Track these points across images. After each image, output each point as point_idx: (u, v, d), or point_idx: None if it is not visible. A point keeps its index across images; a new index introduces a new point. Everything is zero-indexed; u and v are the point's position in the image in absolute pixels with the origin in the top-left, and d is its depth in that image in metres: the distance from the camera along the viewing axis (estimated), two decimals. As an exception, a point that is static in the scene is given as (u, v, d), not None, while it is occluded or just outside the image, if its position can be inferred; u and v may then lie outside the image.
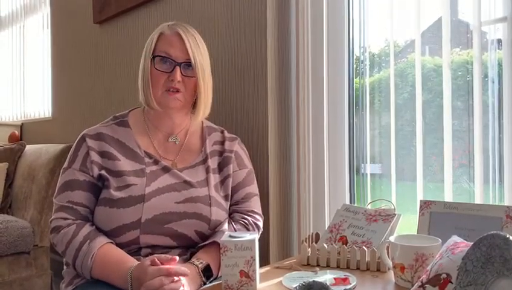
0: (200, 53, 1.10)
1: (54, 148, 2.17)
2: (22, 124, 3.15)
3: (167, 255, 0.93)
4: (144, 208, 1.02)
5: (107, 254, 0.99)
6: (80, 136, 1.11)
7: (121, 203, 1.02)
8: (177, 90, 1.07)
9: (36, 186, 2.08)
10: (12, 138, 2.99)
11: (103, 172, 1.05)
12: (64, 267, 1.11)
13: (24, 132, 3.13)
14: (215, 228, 1.08)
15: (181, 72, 1.07)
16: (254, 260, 0.86)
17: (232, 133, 1.26)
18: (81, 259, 0.99)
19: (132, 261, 0.97)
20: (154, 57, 1.08)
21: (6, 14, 3.51)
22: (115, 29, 2.15)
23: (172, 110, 1.11)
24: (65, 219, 1.04)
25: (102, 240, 1.00)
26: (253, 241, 0.87)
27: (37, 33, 3.11)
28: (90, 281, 1.01)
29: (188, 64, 1.08)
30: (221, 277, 0.89)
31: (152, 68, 1.07)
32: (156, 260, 0.91)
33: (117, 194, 1.02)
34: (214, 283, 0.98)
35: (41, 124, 2.92)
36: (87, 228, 1.02)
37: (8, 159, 2.31)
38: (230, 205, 1.16)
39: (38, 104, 3.10)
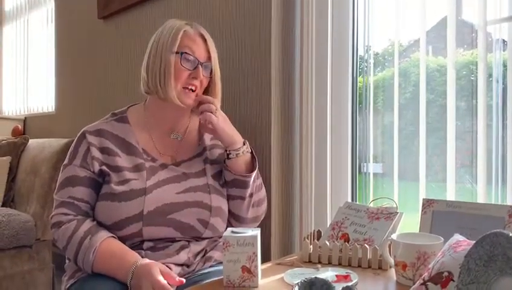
0: (216, 55, 1.14)
1: (57, 142, 2.17)
2: (26, 118, 3.16)
3: (176, 278, 0.93)
4: (146, 201, 1.03)
5: (109, 248, 0.99)
6: (80, 133, 1.12)
7: (123, 196, 1.03)
8: (193, 90, 1.10)
9: (39, 180, 2.09)
10: (15, 132, 3.00)
11: (104, 167, 1.06)
12: (67, 261, 1.11)
13: (27, 126, 3.14)
14: (217, 215, 1.09)
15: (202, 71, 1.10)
16: (256, 255, 0.87)
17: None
18: (82, 254, 0.99)
19: (135, 257, 0.97)
20: (181, 53, 1.08)
21: (11, 8, 3.51)
22: (119, 24, 2.15)
23: (185, 107, 1.11)
24: (66, 214, 1.04)
25: (103, 234, 1.01)
26: (255, 237, 0.87)
27: (41, 28, 3.11)
28: (91, 275, 1.01)
29: (206, 65, 1.11)
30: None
31: (177, 63, 1.07)
32: (165, 271, 0.92)
33: (118, 188, 1.03)
34: (215, 278, 0.98)
35: (44, 119, 2.92)
36: (88, 223, 1.03)
37: (11, 153, 2.31)
38: None
39: (41, 98, 3.11)
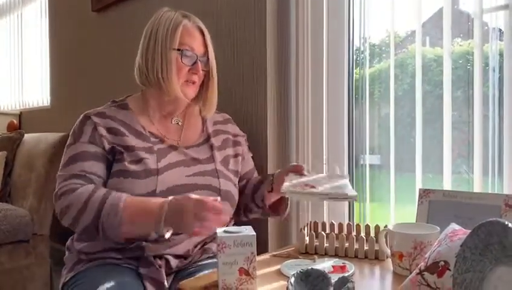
0: (211, 48, 1.14)
1: (53, 136, 2.16)
2: (21, 112, 3.14)
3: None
4: (158, 181, 1.02)
5: (135, 199, 0.97)
6: (82, 116, 1.09)
7: (136, 174, 1.02)
8: (193, 82, 1.12)
9: (35, 175, 2.08)
10: (10, 127, 2.99)
11: (115, 146, 1.05)
12: (66, 252, 1.10)
13: (23, 121, 3.12)
14: (226, 199, 1.09)
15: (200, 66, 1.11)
16: (255, 256, 0.82)
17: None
18: (108, 209, 0.94)
19: (162, 199, 0.95)
20: (181, 50, 1.08)
21: (4, 2, 3.48)
22: (113, 17, 2.13)
23: (187, 100, 1.12)
24: (79, 183, 1.00)
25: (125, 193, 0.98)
26: (253, 236, 0.82)
27: (35, 21, 3.08)
28: (89, 269, 1.00)
29: (203, 59, 1.12)
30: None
31: (178, 61, 1.08)
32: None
33: (132, 167, 1.02)
34: (211, 270, 0.98)
35: (39, 113, 2.91)
36: (104, 189, 0.99)
37: (7, 148, 2.30)
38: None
39: (36, 93, 3.09)
